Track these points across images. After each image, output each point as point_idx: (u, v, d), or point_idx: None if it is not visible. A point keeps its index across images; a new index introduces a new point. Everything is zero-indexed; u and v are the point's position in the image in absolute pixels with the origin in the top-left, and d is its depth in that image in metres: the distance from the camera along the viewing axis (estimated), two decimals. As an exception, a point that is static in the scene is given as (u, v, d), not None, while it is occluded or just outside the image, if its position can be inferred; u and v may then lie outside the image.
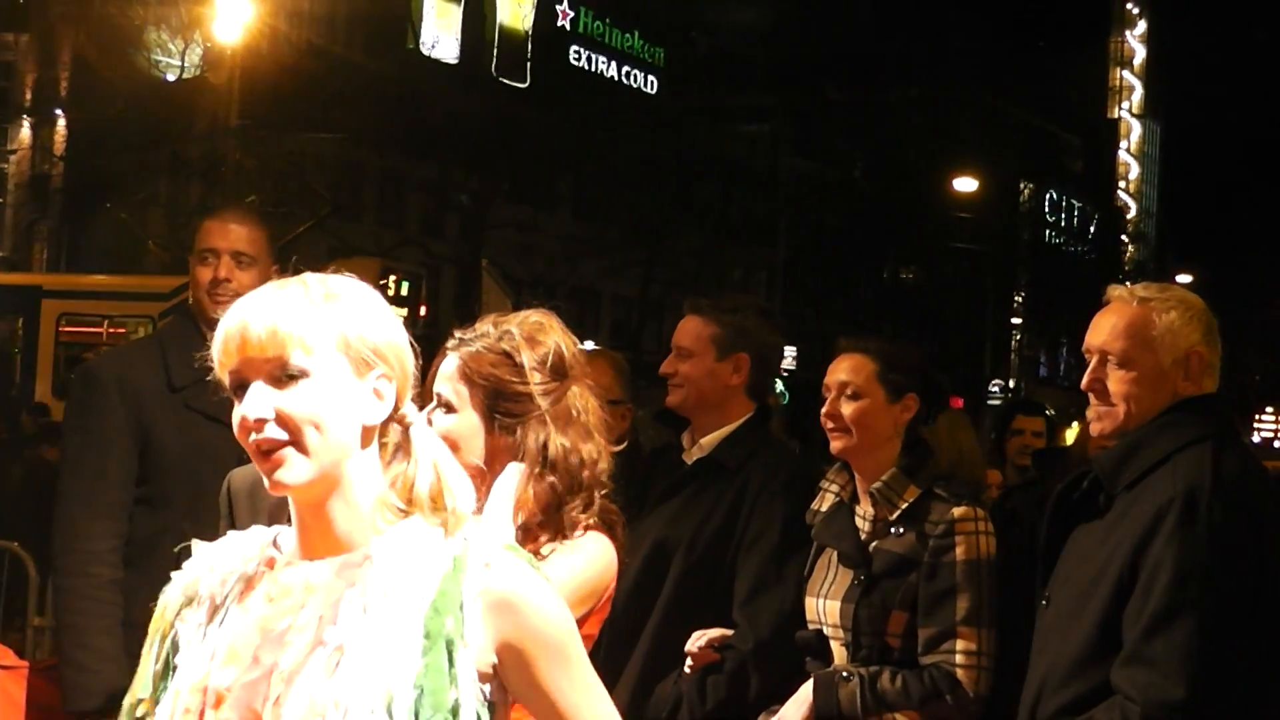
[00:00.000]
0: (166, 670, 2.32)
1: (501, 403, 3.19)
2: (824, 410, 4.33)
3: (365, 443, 2.28)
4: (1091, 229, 70.87)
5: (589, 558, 3.19)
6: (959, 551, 4.07)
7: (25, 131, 43.69)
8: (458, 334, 3.26)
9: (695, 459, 4.61)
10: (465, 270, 33.13)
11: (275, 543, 2.35)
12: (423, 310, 23.68)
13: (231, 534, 2.40)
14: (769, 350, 4.69)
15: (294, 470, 2.20)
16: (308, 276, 2.28)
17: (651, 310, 42.03)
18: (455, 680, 2.16)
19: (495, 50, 44.84)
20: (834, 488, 4.39)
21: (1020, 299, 60.55)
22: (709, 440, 4.60)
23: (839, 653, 4.21)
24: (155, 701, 2.30)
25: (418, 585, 2.19)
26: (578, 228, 42.21)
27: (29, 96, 43.60)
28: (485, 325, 3.27)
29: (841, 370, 4.32)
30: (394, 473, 2.32)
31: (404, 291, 22.85)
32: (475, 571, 2.21)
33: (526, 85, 45.03)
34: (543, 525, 3.20)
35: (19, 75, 43.99)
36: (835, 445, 4.31)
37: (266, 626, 2.23)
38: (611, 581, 3.28)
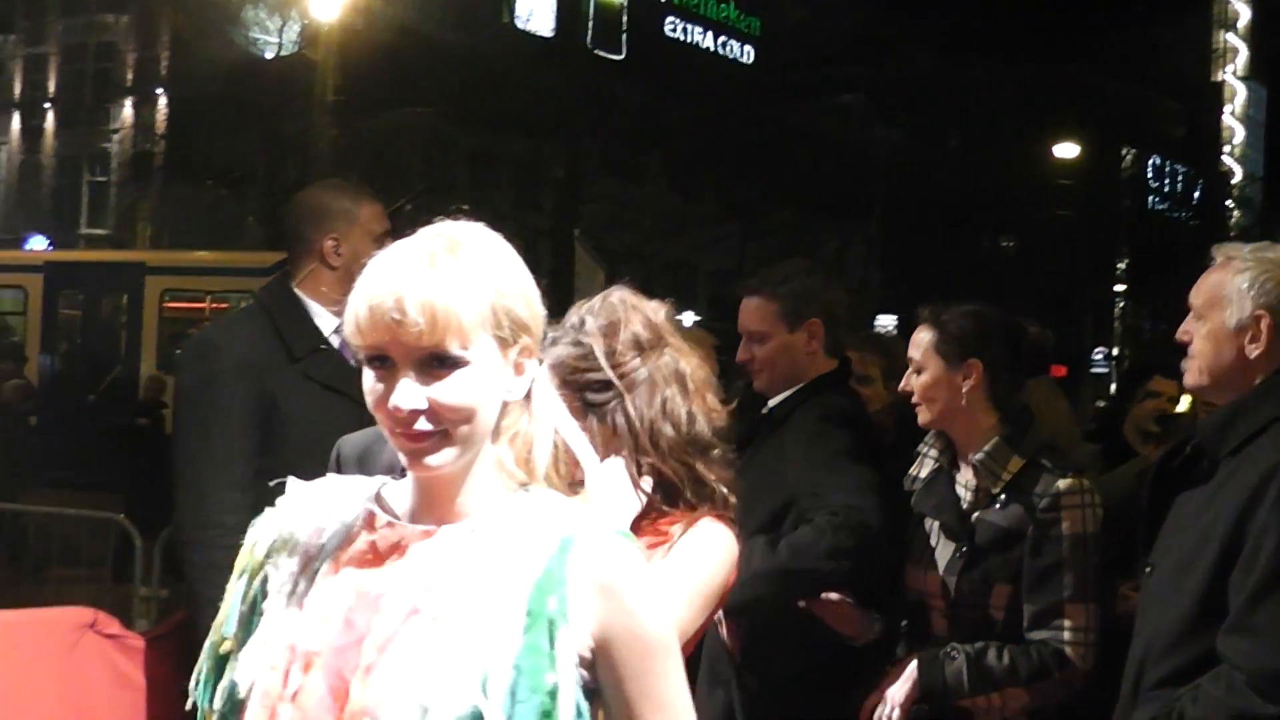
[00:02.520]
0: (253, 613, 2.26)
1: (589, 395, 3.11)
2: (900, 387, 4.35)
3: (501, 414, 2.21)
4: (1195, 194, 69.92)
5: (713, 558, 3.03)
6: (1065, 526, 3.96)
7: (127, 110, 44.25)
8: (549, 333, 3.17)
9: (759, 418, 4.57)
10: (560, 244, 33.11)
11: (379, 496, 2.26)
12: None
13: (331, 478, 2.31)
14: (834, 305, 4.62)
15: (442, 457, 2.12)
16: (449, 236, 2.16)
17: (749, 283, 41.77)
18: (555, 662, 2.05)
19: (590, 22, 44.69)
20: (933, 453, 4.33)
21: (1123, 266, 59.82)
22: (776, 400, 4.57)
23: (939, 624, 4.15)
24: (238, 643, 2.24)
25: (523, 562, 2.10)
26: (672, 201, 42.04)
27: (130, 76, 44.17)
28: (568, 319, 3.20)
29: (910, 345, 4.31)
30: (510, 428, 2.23)
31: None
32: (583, 552, 2.10)
33: (622, 57, 44.88)
34: (665, 506, 3.08)
35: (120, 55, 44.56)
36: (920, 419, 4.28)
37: (362, 588, 2.15)
38: (731, 577, 3.10)
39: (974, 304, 4.33)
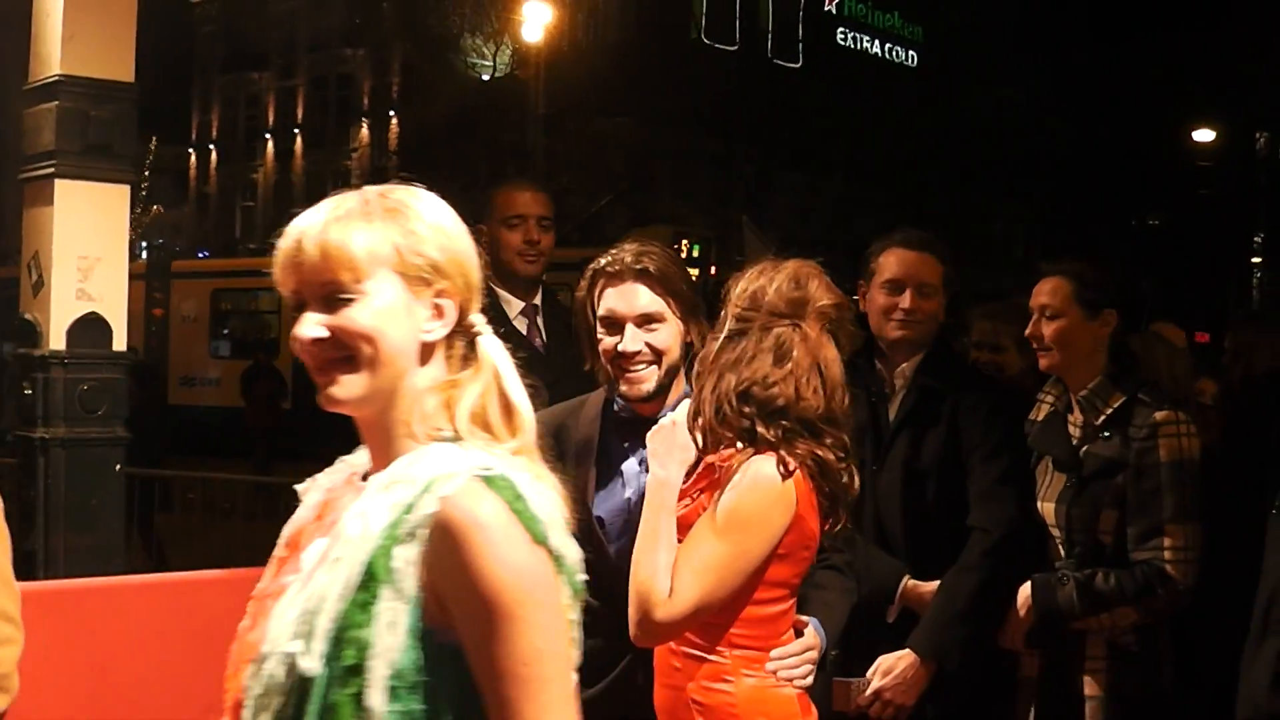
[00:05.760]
0: None
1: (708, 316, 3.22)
2: (1027, 331, 4.21)
3: (424, 360, 2.00)
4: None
5: (751, 484, 2.92)
6: (1163, 453, 3.93)
7: (364, 132, 45.12)
8: None
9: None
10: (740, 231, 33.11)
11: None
12: (713, 270, 23.13)
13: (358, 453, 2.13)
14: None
15: (347, 387, 1.96)
16: (369, 190, 2.02)
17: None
18: (374, 618, 1.82)
19: (770, 35, 44.33)
20: (1049, 398, 4.29)
21: (1259, 240, 58.49)
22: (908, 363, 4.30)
23: (1055, 550, 4.12)
24: None
25: (385, 510, 1.88)
26: (851, 190, 41.67)
27: (366, 101, 45.28)
28: None
29: (1042, 293, 4.17)
30: (438, 378, 2.02)
31: (695, 253, 22.33)
32: (434, 499, 1.84)
33: (799, 65, 44.49)
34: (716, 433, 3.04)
35: (357, 83, 45.89)
36: (1042, 363, 4.20)
37: (298, 540, 2.07)
38: (786, 523, 2.93)
39: (1097, 259, 4.30)
